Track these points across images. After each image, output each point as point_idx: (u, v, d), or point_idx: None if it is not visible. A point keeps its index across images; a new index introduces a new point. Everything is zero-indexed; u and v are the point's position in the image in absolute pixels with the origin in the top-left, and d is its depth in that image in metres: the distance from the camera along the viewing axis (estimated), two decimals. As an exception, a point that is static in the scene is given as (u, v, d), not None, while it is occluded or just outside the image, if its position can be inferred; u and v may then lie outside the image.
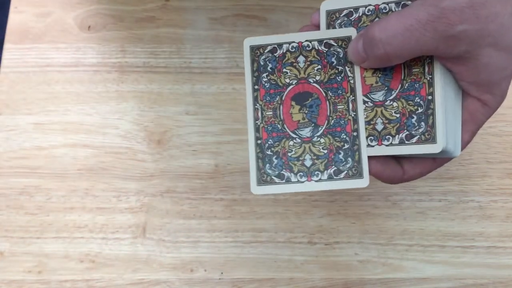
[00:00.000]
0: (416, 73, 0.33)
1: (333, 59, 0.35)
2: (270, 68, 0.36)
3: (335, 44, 0.35)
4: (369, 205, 0.49)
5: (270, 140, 0.35)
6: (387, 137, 0.33)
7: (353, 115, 0.34)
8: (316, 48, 0.35)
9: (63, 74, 0.54)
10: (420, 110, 0.33)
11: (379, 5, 0.35)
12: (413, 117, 0.33)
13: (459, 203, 0.49)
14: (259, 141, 0.35)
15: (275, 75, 0.35)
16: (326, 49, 0.35)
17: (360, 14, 0.35)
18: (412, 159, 0.34)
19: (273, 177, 0.35)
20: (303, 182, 0.34)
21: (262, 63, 0.36)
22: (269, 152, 0.35)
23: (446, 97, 0.33)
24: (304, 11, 0.55)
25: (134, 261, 0.48)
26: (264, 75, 0.36)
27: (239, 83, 0.53)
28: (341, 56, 0.35)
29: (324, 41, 0.35)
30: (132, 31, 0.55)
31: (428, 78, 0.33)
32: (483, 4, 0.29)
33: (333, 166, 0.34)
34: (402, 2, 0.34)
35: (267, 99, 0.35)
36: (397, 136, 0.33)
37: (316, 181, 0.34)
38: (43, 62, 0.54)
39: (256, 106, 0.35)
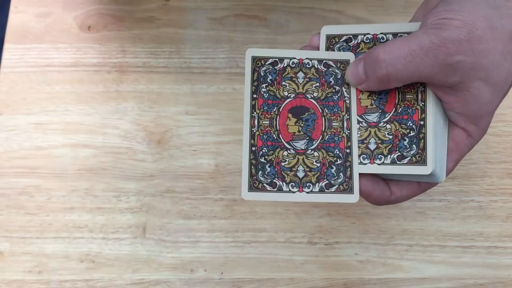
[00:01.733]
0: (410, 99, 0.35)
1: (331, 79, 0.36)
2: (270, 79, 0.36)
3: (334, 65, 0.36)
4: (369, 205, 0.49)
5: (265, 148, 0.35)
6: (379, 156, 0.35)
7: (347, 133, 0.35)
8: (316, 66, 0.36)
9: (63, 74, 0.54)
10: (412, 134, 0.34)
11: (377, 34, 0.37)
12: (405, 140, 0.34)
13: (459, 203, 0.49)
14: (253, 148, 0.35)
15: (274, 87, 0.36)
16: (325, 69, 0.36)
17: (359, 41, 0.37)
18: (399, 182, 0.36)
19: (265, 184, 0.35)
20: (294, 192, 0.35)
21: (262, 74, 0.37)
22: (262, 160, 0.35)
23: (436, 124, 0.34)
24: (304, 11, 0.55)
25: (134, 261, 0.48)
26: (264, 85, 0.36)
27: (239, 83, 0.53)
28: (338, 77, 0.36)
29: (324, 61, 0.36)
30: (132, 31, 0.55)
31: (421, 105, 0.35)
32: (479, 39, 0.31)
33: (325, 180, 0.35)
34: (399, 34, 0.36)
35: (265, 108, 0.36)
36: (389, 156, 0.35)
37: (307, 192, 0.35)
38: (43, 62, 0.54)
39: (253, 114, 0.36)
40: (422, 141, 0.34)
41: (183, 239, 0.48)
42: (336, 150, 0.35)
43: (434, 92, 0.34)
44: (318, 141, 0.35)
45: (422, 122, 0.34)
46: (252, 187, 0.35)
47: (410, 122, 0.35)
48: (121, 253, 0.48)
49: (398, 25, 0.36)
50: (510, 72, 0.33)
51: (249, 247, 0.48)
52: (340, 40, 0.37)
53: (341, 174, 0.35)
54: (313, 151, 0.35)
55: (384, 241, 0.48)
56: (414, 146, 0.34)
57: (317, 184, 0.35)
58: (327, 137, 0.35)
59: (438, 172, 0.34)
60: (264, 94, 0.36)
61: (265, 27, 0.55)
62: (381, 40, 0.36)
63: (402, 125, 0.35)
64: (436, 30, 0.31)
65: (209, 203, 0.50)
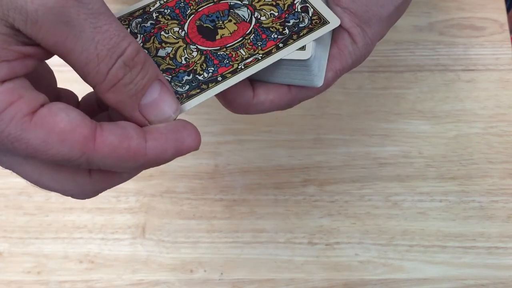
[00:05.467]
0: None
1: None
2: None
3: None
4: (369, 206, 0.49)
5: None
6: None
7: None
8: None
9: (63, 74, 0.53)
10: (293, 12, 0.31)
11: None
12: (292, 18, 0.31)
13: (460, 204, 0.49)
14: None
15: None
16: None
17: None
18: (266, 84, 0.31)
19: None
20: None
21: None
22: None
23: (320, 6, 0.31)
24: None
25: (133, 261, 0.48)
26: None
27: (239, 83, 0.52)
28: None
29: None
30: (131, 31, 0.55)
31: None
32: None
33: None
34: None
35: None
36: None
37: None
38: (42, 62, 0.54)
39: None
40: (309, 12, 0.30)
41: (183, 240, 0.48)
42: None
43: None
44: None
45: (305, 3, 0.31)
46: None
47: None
48: (120, 254, 0.48)
49: None
50: None
51: (249, 248, 0.48)
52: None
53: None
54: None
55: (385, 241, 0.48)
56: (303, 20, 0.31)
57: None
58: None
59: (315, 69, 0.30)
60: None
61: (265, 26, 0.55)
62: None
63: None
64: None
65: (208, 203, 0.49)
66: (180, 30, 0.33)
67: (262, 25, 0.32)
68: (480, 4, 0.57)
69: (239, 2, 0.33)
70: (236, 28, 0.32)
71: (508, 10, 0.79)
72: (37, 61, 0.25)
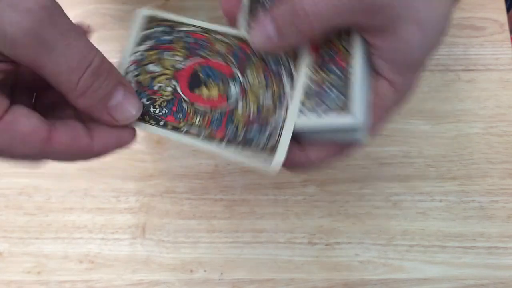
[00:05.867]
0: (334, 42, 0.31)
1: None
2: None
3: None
4: (369, 206, 0.49)
5: None
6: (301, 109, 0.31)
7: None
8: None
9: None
10: (337, 81, 0.30)
11: None
12: (330, 88, 0.30)
13: (460, 203, 0.49)
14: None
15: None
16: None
17: None
18: (315, 143, 0.32)
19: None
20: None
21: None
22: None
23: (363, 71, 0.30)
24: (304, 11, 0.55)
25: (133, 261, 0.48)
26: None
27: (239, 83, 0.52)
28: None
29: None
30: (131, 31, 0.55)
31: (346, 46, 0.31)
32: None
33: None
34: None
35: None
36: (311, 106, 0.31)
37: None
38: (42, 62, 0.54)
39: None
40: (348, 88, 0.30)
41: (183, 240, 0.48)
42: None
43: (362, 33, 0.30)
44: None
45: (348, 68, 0.30)
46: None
47: (335, 68, 0.31)
48: (120, 254, 0.48)
49: None
50: (443, 15, 0.29)
51: (249, 248, 0.48)
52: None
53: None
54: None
55: (385, 241, 0.48)
56: (340, 94, 0.30)
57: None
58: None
59: (362, 126, 0.30)
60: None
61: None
62: None
63: (325, 72, 0.31)
64: None
65: (208, 203, 0.49)
66: (179, 62, 0.33)
67: (233, 114, 0.32)
68: (480, 4, 0.57)
69: (239, 77, 0.32)
70: (215, 97, 0.32)
71: (508, 10, 0.79)
72: (6, 75, 0.28)
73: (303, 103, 0.31)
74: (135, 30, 0.34)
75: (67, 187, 0.50)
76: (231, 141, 0.31)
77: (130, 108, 0.31)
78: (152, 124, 0.32)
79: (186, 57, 0.33)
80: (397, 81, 0.31)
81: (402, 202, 0.49)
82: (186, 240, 0.48)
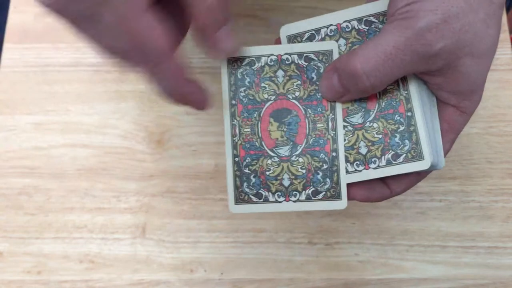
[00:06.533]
0: (391, 90, 0.33)
1: (313, 75, 0.34)
2: (248, 82, 0.34)
3: (316, 59, 0.34)
4: (369, 205, 0.49)
5: (248, 158, 0.34)
6: (373, 159, 0.33)
7: (332, 135, 0.33)
8: (296, 62, 0.34)
9: (62, 74, 0.54)
10: (401, 128, 0.32)
11: (340, 24, 0.34)
12: (396, 136, 0.32)
13: (460, 203, 0.49)
14: (236, 159, 0.34)
15: (253, 89, 0.34)
16: (306, 64, 0.34)
17: (323, 36, 0.34)
18: (396, 177, 0.34)
19: (251, 196, 0.34)
20: (281, 202, 0.34)
21: (239, 77, 0.35)
22: (246, 171, 0.34)
23: (424, 112, 0.32)
24: (305, 11, 0.55)
25: (133, 261, 0.48)
26: (242, 89, 0.35)
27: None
28: (321, 71, 0.33)
29: (305, 54, 0.34)
30: (132, 31, 0.55)
31: (404, 94, 0.32)
32: (456, 16, 0.29)
33: (311, 187, 0.33)
34: (364, 19, 0.33)
35: (245, 115, 0.34)
36: (383, 157, 0.33)
37: (294, 201, 0.33)
38: (42, 62, 0.54)
39: (233, 122, 0.35)
40: (414, 134, 0.32)
41: (183, 239, 0.48)
42: (322, 154, 0.33)
43: (421, 76, 0.32)
44: (303, 145, 0.34)
45: (409, 113, 0.32)
46: (238, 200, 0.34)
47: (397, 115, 0.32)
48: (120, 254, 0.48)
49: (361, 9, 0.34)
50: (494, 38, 0.31)
51: (249, 248, 0.48)
52: (303, 39, 0.34)
53: (327, 179, 0.33)
54: (297, 157, 0.34)
55: (385, 241, 0.48)
56: (406, 141, 0.32)
57: (304, 192, 0.33)
58: (311, 140, 0.33)
59: (435, 161, 0.32)
60: (243, 99, 0.34)
61: (265, 27, 0.55)
62: (346, 29, 0.34)
63: (389, 121, 0.33)
64: (407, 20, 0.29)
65: (209, 203, 0.49)
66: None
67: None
68: (480, 4, 0.57)
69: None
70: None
71: (508, 10, 0.79)
72: None
73: (369, 151, 0.33)
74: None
75: (67, 187, 0.50)
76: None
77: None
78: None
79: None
80: (464, 106, 0.33)
81: (402, 202, 0.49)
82: (186, 240, 0.48)
